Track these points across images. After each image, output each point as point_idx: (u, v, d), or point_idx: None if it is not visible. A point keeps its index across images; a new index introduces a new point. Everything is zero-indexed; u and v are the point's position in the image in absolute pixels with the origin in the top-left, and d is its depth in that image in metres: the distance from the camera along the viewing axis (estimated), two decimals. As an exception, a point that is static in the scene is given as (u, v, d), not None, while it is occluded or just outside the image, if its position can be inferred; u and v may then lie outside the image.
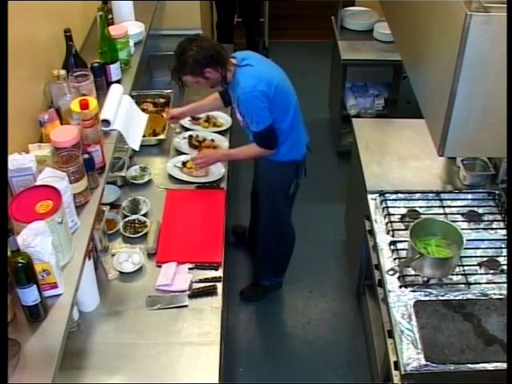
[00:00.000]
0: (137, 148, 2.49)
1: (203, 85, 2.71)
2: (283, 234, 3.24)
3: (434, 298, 2.37)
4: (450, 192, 2.87)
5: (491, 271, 2.48)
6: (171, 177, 3.00)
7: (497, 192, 2.85)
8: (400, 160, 3.08)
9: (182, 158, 3.09)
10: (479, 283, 2.42)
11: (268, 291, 3.49)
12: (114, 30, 2.54)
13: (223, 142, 3.20)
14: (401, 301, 2.36)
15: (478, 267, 2.49)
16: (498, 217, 2.74)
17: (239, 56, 2.76)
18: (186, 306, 2.39)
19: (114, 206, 2.80)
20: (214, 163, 2.97)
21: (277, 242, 3.23)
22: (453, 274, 2.44)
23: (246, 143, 2.91)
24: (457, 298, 2.37)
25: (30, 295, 1.60)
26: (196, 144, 3.16)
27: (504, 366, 2.13)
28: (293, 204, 3.16)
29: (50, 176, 1.81)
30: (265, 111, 2.68)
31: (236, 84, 2.70)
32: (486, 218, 2.74)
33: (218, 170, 3.02)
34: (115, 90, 2.40)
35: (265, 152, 2.81)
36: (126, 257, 2.56)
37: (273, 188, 3.00)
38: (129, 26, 2.72)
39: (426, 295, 2.38)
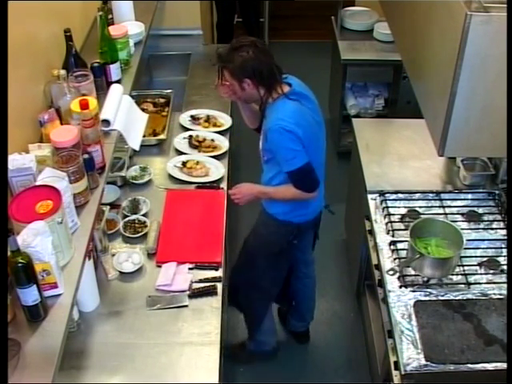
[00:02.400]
0: (137, 148, 2.49)
1: (236, 92, 2.43)
2: (257, 294, 2.84)
3: (434, 298, 2.37)
4: (450, 192, 2.88)
5: (491, 271, 2.48)
6: (171, 177, 2.99)
7: (497, 192, 2.85)
8: (400, 160, 3.08)
9: (182, 157, 3.09)
10: (479, 283, 2.42)
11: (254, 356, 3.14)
12: (114, 30, 2.54)
13: (223, 141, 3.20)
14: (401, 301, 2.36)
15: (477, 267, 2.49)
16: (498, 217, 2.74)
17: (295, 85, 2.48)
18: (186, 305, 2.39)
19: (113, 205, 2.80)
20: (249, 200, 2.64)
21: (248, 299, 2.85)
22: (453, 274, 2.44)
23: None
24: (457, 298, 2.37)
25: (30, 295, 1.60)
26: (196, 144, 3.16)
27: (504, 366, 2.13)
28: (284, 266, 2.81)
29: (50, 176, 1.81)
30: (299, 147, 2.36)
31: (273, 111, 2.40)
32: (486, 217, 2.74)
33: (218, 170, 3.02)
34: (115, 90, 2.40)
35: (302, 194, 2.46)
36: (126, 257, 2.56)
37: (261, 241, 2.72)
38: (129, 26, 2.72)
39: (425, 295, 2.38)
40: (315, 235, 2.90)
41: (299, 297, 3.10)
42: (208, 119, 3.34)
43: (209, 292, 2.44)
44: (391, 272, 2.45)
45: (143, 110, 3.10)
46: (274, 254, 2.68)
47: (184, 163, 3.04)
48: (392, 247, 2.58)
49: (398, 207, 2.80)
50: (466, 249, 2.46)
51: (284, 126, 2.32)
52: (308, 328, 3.29)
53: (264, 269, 2.74)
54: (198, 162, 3.04)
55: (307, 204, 2.56)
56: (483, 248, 2.57)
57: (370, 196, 2.87)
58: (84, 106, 1.99)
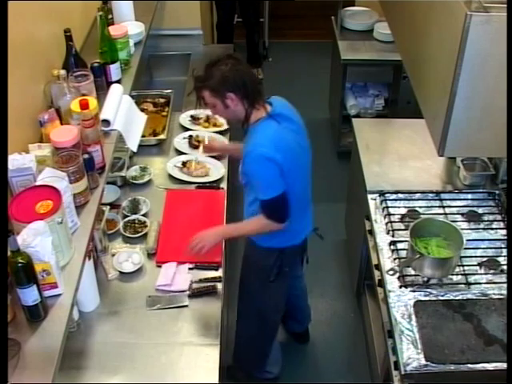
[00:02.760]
0: (134, 149, 2.49)
1: (219, 113, 2.34)
2: (260, 325, 2.73)
3: (434, 298, 2.37)
4: (450, 192, 2.88)
5: (491, 271, 2.48)
6: (171, 177, 2.99)
7: (497, 192, 2.85)
8: (400, 160, 3.08)
9: (182, 157, 3.09)
10: (479, 283, 2.42)
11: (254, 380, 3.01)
12: (113, 30, 2.54)
13: (223, 142, 3.20)
14: (401, 301, 2.37)
15: (478, 267, 2.49)
16: (498, 217, 2.74)
17: (276, 105, 2.35)
18: (186, 306, 2.39)
19: (114, 205, 2.80)
20: (214, 242, 2.46)
21: (252, 332, 2.73)
22: (453, 274, 2.44)
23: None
24: (457, 298, 2.37)
25: (30, 295, 1.60)
26: (196, 144, 3.16)
27: (504, 366, 2.13)
28: (281, 292, 2.69)
29: (50, 176, 1.81)
30: (277, 175, 2.24)
31: (254, 134, 2.30)
32: (486, 217, 2.74)
33: (218, 170, 3.02)
34: (115, 90, 2.40)
35: (272, 225, 2.34)
36: (126, 257, 2.56)
37: (250, 271, 2.64)
38: (129, 26, 2.71)
39: (425, 295, 2.38)
40: (304, 258, 2.80)
41: (292, 307, 3.02)
42: (208, 119, 3.33)
43: (209, 292, 2.44)
44: (391, 272, 2.45)
45: (143, 110, 3.10)
46: (267, 282, 2.56)
47: (184, 163, 3.04)
48: (392, 247, 2.58)
49: (398, 207, 2.80)
50: (466, 249, 2.46)
51: (263, 152, 2.21)
52: (307, 328, 3.29)
53: (261, 298, 2.64)
54: (198, 162, 3.04)
55: (289, 228, 2.40)
56: (483, 248, 2.57)
57: (369, 196, 2.87)
58: (84, 105, 1.99)
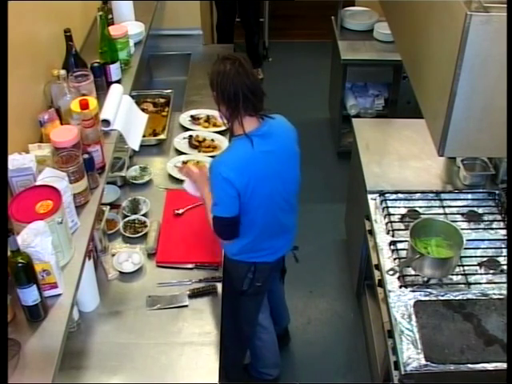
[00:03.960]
0: (136, 148, 2.49)
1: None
2: (232, 335, 2.67)
3: (434, 298, 2.37)
4: (450, 192, 2.88)
5: (491, 271, 2.48)
6: (171, 177, 2.99)
7: (497, 192, 2.85)
8: (400, 160, 3.08)
9: (182, 157, 3.09)
10: (479, 283, 2.42)
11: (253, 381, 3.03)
12: (113, 30, 2.54)
13: (223, 141, 3.20)
14: (401, 301, 2.37)
15: (478, 267, 2.49)
16: (498, 217, 2.74)
17: (268, 123, 2.25)
18: (186, 306, 2.39)
19: (114, 205, 2.80)
20: (192, 182, 2.50)
21: (226, 339, 2.53)
22: (453, 274, 2.44)
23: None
24: (457, 298, 2.37)
25: (30, 295, 1.60)
26: (196, 144, 3.16)
27: (504, 366, 2.13)
28: (253, 306, 2.65)
29: (50, 176, 1.82)
30: (228, 197, 2.21)
31: (226, 149, 2.33)
32: (486, 217, 2.74)
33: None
34: (115, 90, 2.40)
35: (219, 238, 2.38)
36: (126, 257, 2.56)
37: (227, 280, 2.56)
38: (129, 26, 2.72)
39: (425, 295, 2.38)
40: (281, 275, 2.79)
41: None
42: (208, 119, 3.34)
43: (209, 292, 2.44)
44: (391, 272, 2.45)
45: (143, 110, 3.10)
46: (238, 294, 2.55)
47: (184, 163, 3.04)
48: (392, 247, 2.58)
49: (398, 207, 2.80)
50: (466, 249, 2.46)
51: (222, 171, 2.17)
52: (286, 329, 3.24)
53: (233, 309, 2.61)
54: (198, 162, 3.04)
55: (259, 247, 2.41)
56: (483, 248, 2.57)
57: (369, 196, 2.87)
58: (84, 105, 1.99)
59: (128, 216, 2.76)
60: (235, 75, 2.14)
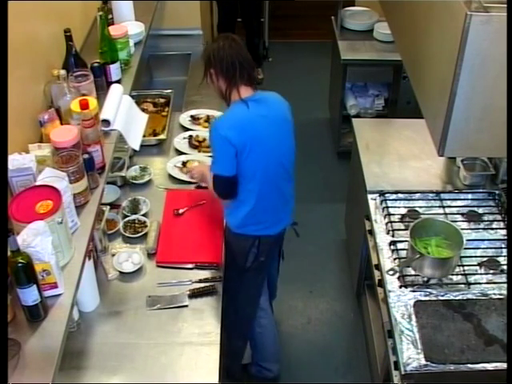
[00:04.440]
0: (137, 148, 2.49)
1: (211, 85, 2.45)
2: (234, 318, 2.67)
3: (434, 298, 2.37)
4: (449, 192, 2.88)
5: (491, 271, 2.48)
6: (171, 177, 2.99)
7: (497, 192, 2.85)
8: (400, 160, 3.08)
9: (182, 157, 3.09)
10: (479, 283, 2.42)
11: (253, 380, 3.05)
12: (113, 30, 2.54)
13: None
14: (401, 301, 2.37)
15: (478, 267, 2.49)
16: (498, 217, 2.74)
17: (262, 93, 2.42)
18: (186, 306, 2.39)
19: (114, 205, 2.80)
20: (200, 175, 2.72)
21: (232, 320, 2.65)
22: (453, 274, 2.44)
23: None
24: (457, 298, 2.37)
25: (30, 295, 1.60)
26: (196, 144, 3.16)
27: (504, 366, 2.13)
28: (256, 284, 2.70)
29: (50, 176, 1.81)
30: (227, 154, 2.33)
31: (223, 113, 2.44)
32: (486, 217, 2.74)
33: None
34: (115, 90, 2.40)
35: (219, 197, 2.50)
36: (126, 257, 2.56)
37: (229, 258, 2.62)
38: (129, 26, 2.71)
39: (425, 295, 2.38)
40: (280, 254, 2.81)
41: None
42: (208, 119, 3.33)
43: (209, 292, 2.44)
44: (391, 272, 2.45)
45: (143, 110, 3.10)
46: (243, 271, 2.60)
47: (184, 163, 3.04)
48: (392, 247, 2.58)
49: (398, 207, 2.80)
50: (466, 249, 2.46)
51: (220, 130, 2.31)
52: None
53: (236, 288, 2.64)
54: (198, 162, 3.04)
55: (262, 219, 2.50)
56: (483, 248, 2.57)
57: (369, 196, 2.87)
58: (84, 106, 1.99)
59: (128, 216, 2.76)
60: (230, 47, 2.33)
